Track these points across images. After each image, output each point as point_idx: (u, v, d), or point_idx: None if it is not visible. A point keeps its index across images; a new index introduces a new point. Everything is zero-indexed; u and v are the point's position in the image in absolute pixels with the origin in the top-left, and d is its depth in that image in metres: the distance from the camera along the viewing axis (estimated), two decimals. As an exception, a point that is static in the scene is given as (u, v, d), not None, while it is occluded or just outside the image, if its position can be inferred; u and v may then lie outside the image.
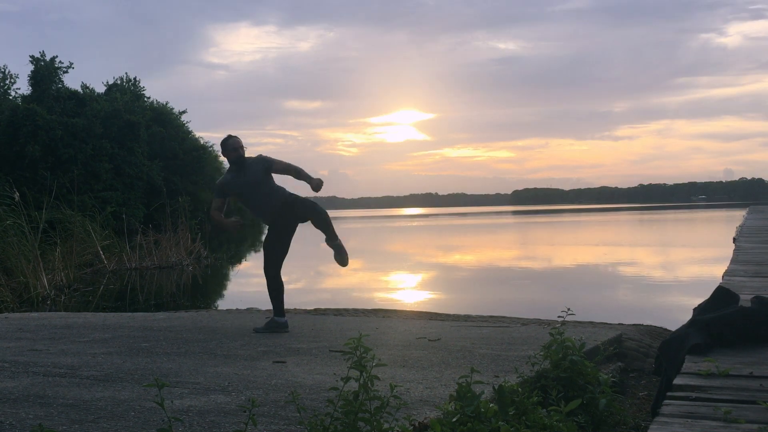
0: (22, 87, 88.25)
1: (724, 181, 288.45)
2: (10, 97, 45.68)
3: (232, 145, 6.09)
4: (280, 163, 6.08)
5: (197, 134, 55.91)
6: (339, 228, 6.07)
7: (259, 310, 8.63)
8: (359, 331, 3.02)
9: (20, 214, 13.90)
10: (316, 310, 8.73)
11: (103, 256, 17.16)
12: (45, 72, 44.58)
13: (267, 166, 6.02)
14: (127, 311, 10.28)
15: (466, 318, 7.78)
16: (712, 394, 3.09)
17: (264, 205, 5.99)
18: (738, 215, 36.59)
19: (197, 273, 17.38)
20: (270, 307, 6.11)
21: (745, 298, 4.81)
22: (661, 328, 6.73)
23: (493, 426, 2.75)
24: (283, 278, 6.03)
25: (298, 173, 6.02)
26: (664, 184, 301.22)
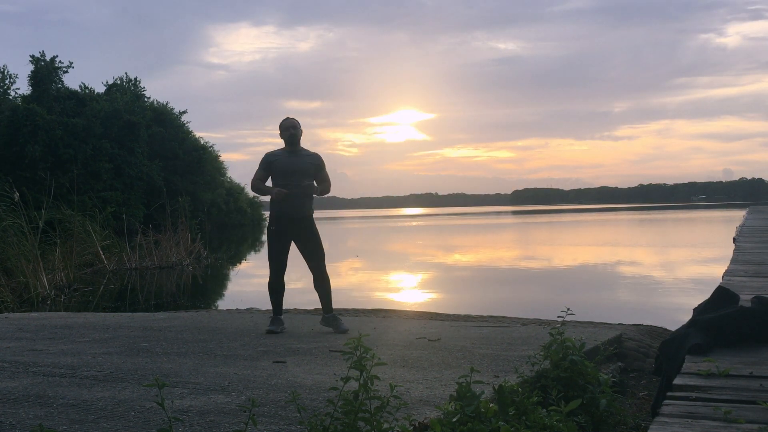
0: (22, 87, 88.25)
1: (723, 181, 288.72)
2: (10, 97, 45.64)
3: (286, 124, 6.17)
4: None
5: (197, 134, 55.78)
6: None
7: (259, 310, 8.63)
8: (359, 331, 3.02)
9: (20, 214, 13.89)
10: (316, 310, 8.72)
11: (103, 256, 17.16)
12: (45, 72, 44.57)
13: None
14: (127, 311, 10.27)
15: (466, 318, 7.78)
16: (712, 394, 3.09)
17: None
18: (738, 215, 36.59)
19: (197, 273, 17.37)
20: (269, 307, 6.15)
21: (745, 298, 4.81)
22: (661, 328, 6.73)
23: (493, 426, 2.74)
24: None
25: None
26: (664, 184, 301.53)
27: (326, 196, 6.30)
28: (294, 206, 5.99)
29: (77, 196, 21.65)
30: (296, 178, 6.00)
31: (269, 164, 6.11)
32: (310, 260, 6.03)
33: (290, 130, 6.11)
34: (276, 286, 6.03)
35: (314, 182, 6.13)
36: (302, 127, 6.15)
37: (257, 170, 6.19)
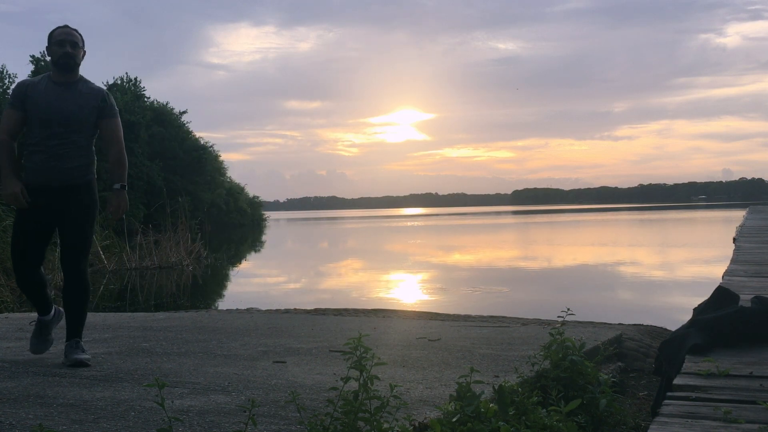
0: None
1: (723, 181, 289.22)
2: (10, 97, 45.62)
3: (57, 36, 3.90)
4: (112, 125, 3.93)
5: (197, 134, 55.87)
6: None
7: (259, 310, 8.63)
8: (359, 331, 3.02)
9: (20, 214, 13.88)
10: (316, 310, 8.72)
11: (103, 256, 17.16)
12: (45, 72, 44.57)
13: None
14: (127, 311, 10.27)
15: (466, 318, 7.78)
16: (712, 394, 3.09)
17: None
18: (738, 215, 36.59)
19: (197, 273, 17.37)
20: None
21: (745, 298, 4.81)
22: (661, 328, 6.73)
23: (493, 426, 2.74)
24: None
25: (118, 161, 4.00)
26: (664, 184, 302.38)
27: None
28: (51, 169, 3.94)
29: (77, 196, 21.62)
30: (63, 129, 3.91)
31: (24, 101, 3.92)
32: (64, 250, 4.11)
33: (64, 47, 3.85)
34: (20, 283, 4.27)
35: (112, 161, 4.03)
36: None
37: (5, 110, 3.93)
